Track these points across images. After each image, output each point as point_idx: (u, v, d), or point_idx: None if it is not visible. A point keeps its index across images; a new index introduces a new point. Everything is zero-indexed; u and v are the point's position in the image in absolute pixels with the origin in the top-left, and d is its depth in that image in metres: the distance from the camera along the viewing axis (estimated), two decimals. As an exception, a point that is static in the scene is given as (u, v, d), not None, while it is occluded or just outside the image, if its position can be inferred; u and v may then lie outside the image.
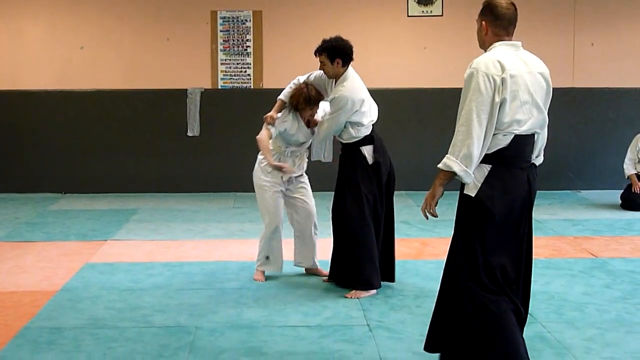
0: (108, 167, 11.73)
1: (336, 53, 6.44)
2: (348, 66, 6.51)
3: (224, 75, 11.74)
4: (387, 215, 6.57)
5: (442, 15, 11.70)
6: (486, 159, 4.15)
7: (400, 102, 11.69)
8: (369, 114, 6.49)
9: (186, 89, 11.69)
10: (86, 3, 11.68)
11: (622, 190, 10.60)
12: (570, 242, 8.37)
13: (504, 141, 4.13)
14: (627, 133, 11.12)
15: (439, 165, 4.19)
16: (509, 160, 4.17)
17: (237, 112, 11.73)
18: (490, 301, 4.16)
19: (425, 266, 7.39)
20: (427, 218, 4.47)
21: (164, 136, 11.75)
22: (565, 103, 11.61)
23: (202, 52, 11.76)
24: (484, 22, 4.29)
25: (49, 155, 11.71)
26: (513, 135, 4.13)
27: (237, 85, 11.74)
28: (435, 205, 4.31)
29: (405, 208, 10.39)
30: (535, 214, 9.05)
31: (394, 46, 11.82)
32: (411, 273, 7.13)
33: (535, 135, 4.27)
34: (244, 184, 11.55)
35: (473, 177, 4.14)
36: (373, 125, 6.57)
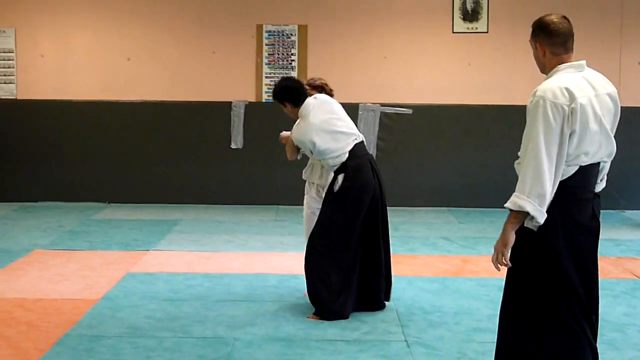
0: (151, 178, 11.83)
1: (281, 97, 6.51)
2: (303, 102, 6.43)
3: (268, 88, 11.78)
4: (372, 237, 6.32)
5: (487, 32, 11.65)
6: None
7: (445, 118, 11.66)
8: (329, 150, 6.27)
9: (231, 102, 11.76)
10: (133, 15, 11.81)
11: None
12: (613, 262, 8.28)
13: (568, 172, 3.83)
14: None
15: (508, 205, 3.82)
16: (573, 191, 3.86)
17: (281, 126, 11.69)
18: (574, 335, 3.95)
19: (465, 283, 7.35)
20: (499, 270, 4.01)
21: (208, 148, 11.83)
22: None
23: (247, 65, 11.82)
24: (538, 44, 3.96)
25: (93, 164, 11.84)
26: (578, 166, 3.84)
27: (281, 98, 11.77)
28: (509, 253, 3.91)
29: (446, 224, 10.35)
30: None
31: (439, 62, 11.79)
32: (451, 290, 7.10)
33: (601, 164, 3.98)
34: (285, 197, 11.68)
35: (546, 216, 3.78)
36: (356, 148, 6.35)
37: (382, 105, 11.62)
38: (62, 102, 11.84)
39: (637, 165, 11.77)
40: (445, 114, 11.65)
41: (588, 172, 3.89)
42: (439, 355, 5.38)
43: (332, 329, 5.91)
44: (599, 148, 3.88)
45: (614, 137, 3.98)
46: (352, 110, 11.66)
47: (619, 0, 11.75)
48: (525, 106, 3.91)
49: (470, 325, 6.05)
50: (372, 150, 11.57)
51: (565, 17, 3.94)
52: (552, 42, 3.91)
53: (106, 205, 11.61)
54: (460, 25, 11.73)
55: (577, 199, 3.89)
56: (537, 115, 3.76)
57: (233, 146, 11.76)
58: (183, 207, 11.52)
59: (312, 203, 6.69)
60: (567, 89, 3.77)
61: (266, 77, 11.79)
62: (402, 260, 8.25)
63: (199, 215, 10.87)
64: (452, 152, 11.70)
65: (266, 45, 11.77)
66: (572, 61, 3.94)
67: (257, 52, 11.80)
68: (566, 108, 3.74)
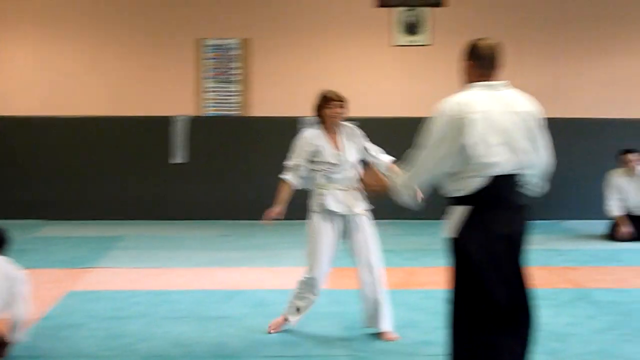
0: (94, 194, 11.71)
1: None
2: None
3: (210, 103, 11.75)
4: None
5: (428, 45, 11.75)
6: (467, 200, 4.12)
7: (388, 131, 11.68)
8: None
9: (172, 116, 11.70)
10: (73, 30, 11.70)
11: (610, 222, 10.59)
12: (555, 273, 8.37)
13: (480, 182, 4.07)
14: (611, 163, 11.14)
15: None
16: (490, 201, 4.09)
17: (224, 140, 11.75)
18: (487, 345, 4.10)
19: (411, 296, 7.36)
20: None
21: (151, 163, 11.75)
22: (550, 133, 11.65)
23: (189, 80, 11.78)
24: (467, 63, 4.27)
25: (34, 181, 11.68)
26: (491, 177, 4.06)
27: (224, 112, 11.75)
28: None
29: (391, 237, 10.38)
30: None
31: (381, 75, 11.85)
32: (397, 302, 7.08)
33: (519, 176, 4.18)
34: (230, 212, 11.63)
35: (408, 198, 4.43)
36: None
37: (325, 118, 11.63)
38: (2, 117, 11.67)
39: (577, 176, 11.94)
40: (388, 126, 11.70)
41: (503, 184, 4.10)
42: (385, 369, 5.38)
43: (276, 346, 5.88)
44: (506, 159, 4.08)
45: (551, 149, 4.29)
46: (293, 124, 11.70)
47: (559, 15, 11.93)
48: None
49: (416, 338, 6.06)
50: (315, 164, 11.58)
51: (496, 45, 4.25)
52: (478, 64, 4.22)
53: (47, 223, 11.44)
54: (400, 38, 11.81)
55: (494, 210, 4.11)
56: (433, 124, 4.14)
57: (175, 161, 11.68)
58: (127, 223, 11.42)
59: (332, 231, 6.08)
60: (468, 101, 4.08)
61: (208, 92, 11.74)
62: (349, 274, 8.23)
63: (143, 232, 10.78)
64: (396, 164, 11.74)
65: (207, 59, 11.73)
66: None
67: (199, 67, 11.75)
68: (461, 119, 4.03)
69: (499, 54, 4.24)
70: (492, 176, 4.06)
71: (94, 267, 8.53)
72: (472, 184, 4.08)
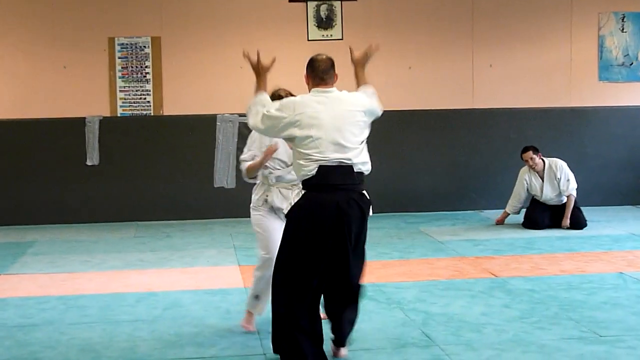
0: (4, 199, 11.40)
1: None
2: None
3: (123, 102, 11.54)
4: None
5: (342, 39, 11.70)
6: (303, 184, 4.94)
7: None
8: None
9: (84, 117, 11.45)
10: (-23, 31, 11.39)
11: (525, 209, 10.72)
12: (472, 263, 8.40)
13: (308, 168, 4.87)
14: (527, 153, 11.24)
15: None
16: (316, 187, 4.88)
17: (137, 140, 11.54)
18: (287, 317, 5.01)
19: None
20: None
21: (63, 166, 11.48)
22: (466, 124, 11.76)
23: (101, 80, 11.54)
24: (306, 74, 5.18)
25: (-59, 188, 11.34)
26: (317, 165, 4.85)
27: (137, 112, 11.55)
28: None
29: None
30: (438, 235, 9.10)
31: (296, 70, 11.70)
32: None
33: (347, 167, 4.90)
34: (145, 213, 11.42)
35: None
36: None
37: (240, 115, 11.52)
38: None
39: (493, 165, 12.03)
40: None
41: (329, 171, 4.86)
42: (298, 367, 5.29)
43: (189, 347, 5.76)
44: (330, 153, 4.87)
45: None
46: (210, 121, 11.57)
47: (470, 7, 12.00)
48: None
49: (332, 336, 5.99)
50: (231, 161, 11.45)
51: (328, 58, 5.20)
52: (313, 75, 5.16)
53: (-44, 230, 11.11)
54: (315, 33, 11.75)
55: (320, 193, 4.87)
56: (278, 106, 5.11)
57: (89, 163, 11.45)
58: (39, 227, 11.15)
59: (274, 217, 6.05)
60: (299, 103, 5.00)
61: (120, 91, 11.53)
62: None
63: (56, 236, 10.53)
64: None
65: (119, 58, 11.52)
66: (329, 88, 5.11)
67: (110, 66, 11.53)
68: (291, 116, 4.96)
69: (330, 66, 5.13)
70: (319, 165, 4.84)
71: (3, 274, 8.30)
72: (303, 171, 4.89)
